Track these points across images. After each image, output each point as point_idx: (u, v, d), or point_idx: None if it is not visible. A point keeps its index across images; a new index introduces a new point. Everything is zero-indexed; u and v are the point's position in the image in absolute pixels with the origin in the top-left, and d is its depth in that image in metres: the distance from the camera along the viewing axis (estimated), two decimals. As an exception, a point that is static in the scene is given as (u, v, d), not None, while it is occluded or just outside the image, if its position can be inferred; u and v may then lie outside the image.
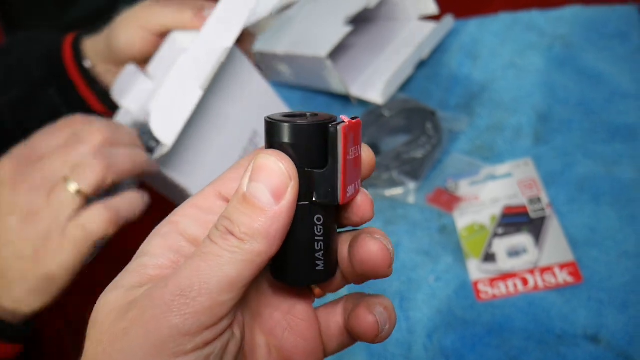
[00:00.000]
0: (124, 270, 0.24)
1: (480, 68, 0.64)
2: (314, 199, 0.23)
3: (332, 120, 0.23)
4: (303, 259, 0.24)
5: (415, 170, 0.57)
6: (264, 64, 0.74)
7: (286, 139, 0.23)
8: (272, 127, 0.23)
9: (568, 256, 0.47)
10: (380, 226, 0.56)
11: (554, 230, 0.49)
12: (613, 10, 0.62)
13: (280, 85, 0.77)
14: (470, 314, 0.47)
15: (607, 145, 0.53)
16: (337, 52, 0.68)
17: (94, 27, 0.60)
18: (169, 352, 0.21)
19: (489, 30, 0.67)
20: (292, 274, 0.25)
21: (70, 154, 0.42)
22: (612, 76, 0.57)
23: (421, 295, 0.49)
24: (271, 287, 0.27)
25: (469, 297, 0.48)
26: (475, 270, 0.49)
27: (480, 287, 0.48)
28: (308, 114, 0.24)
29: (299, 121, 0.23)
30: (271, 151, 0.23)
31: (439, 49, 0.68)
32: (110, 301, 0.23)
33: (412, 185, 0.56)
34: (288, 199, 0.22)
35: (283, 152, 0.23)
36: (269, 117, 0.23)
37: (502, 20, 0.68)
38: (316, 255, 0.24)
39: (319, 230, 0.24)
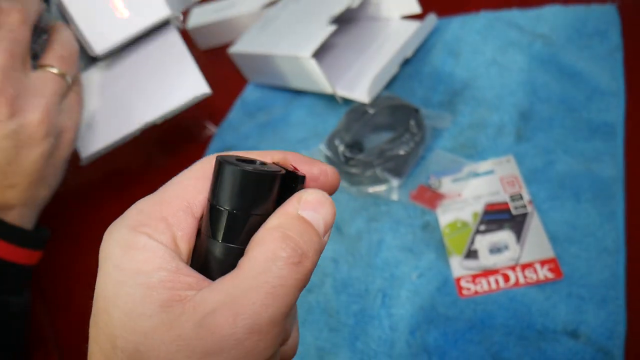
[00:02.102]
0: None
1: (463, 66, 0.65)
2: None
3: (286, 172, 0.25)
4: None
5: (398, 167, 0.57)
6: (246, 65, 0.74)
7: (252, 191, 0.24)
8: (242, 175, 0.23)
9: (548, 252, 0.48)
10: (363, 223, 0.56)
11: (535, 227, 0.50)
12: (592, 10, 0.63)
13: (264, 87, 0.76)
14: (452, 311, 0.47)
15: (587, 143, 0.53)
16: (321, 52, 0.68)
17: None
18: None
19: (471, 28, 0.68)
20: None
21: None
22: (592, 74, 0.58)
23: (404, 292, 0.49)
24: None
25: (451, 293, 0.48)
26: (458, 266, 0.50)
27: (463, 283, 0.48)
28: (257, 162, 0.25)
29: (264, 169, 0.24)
30: (322, 192, 0.25)
31: (422, 47, 0.69)
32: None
33: (395, 182, 0.56)
34: (328, 237, 0.25)
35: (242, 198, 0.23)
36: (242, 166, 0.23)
37: (484, 18, 0.68)
38: None
39: None
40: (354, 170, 0.57)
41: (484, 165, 0.56)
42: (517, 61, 0.62)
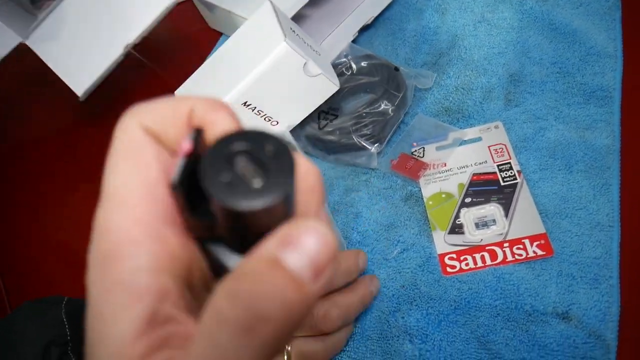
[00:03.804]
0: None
1: (450, 23, 0.60)
2: None
3: None
4: None
5: (377, 133, 0.52)
6: (219, 20, 0.67)
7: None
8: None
9: (538, 227, 0.45)
10: (341, 194, 0.51)
11: (524, 200, 0.46)
12: (589, -37, 0.58)
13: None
14: (435, 290, 0.44)
15: (581, 109, 0.50)
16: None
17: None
18: None
19: (458, -18, 0.62)
20: None
21: None
22: (587, 34, 0.54)
23: (385, 270, 0.46)
24: None
25: (435, 271, 0.45)
26: (442, 242, 0.46)
27: (447, 260, 0.45)
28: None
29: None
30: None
31: (406, 2, 0.63)
32: None
33: (374, 148, 0.52)
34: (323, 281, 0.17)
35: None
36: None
37: (472, -29, 0.63)
38: None
39: None
40: (329, 137, 0.53)
41: (470, 132, 0.52)
42: (508, 19, 0.58)
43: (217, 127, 0.20)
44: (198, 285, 0.20)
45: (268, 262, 0.16)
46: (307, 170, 0.20)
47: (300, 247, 0.16)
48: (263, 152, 0.17)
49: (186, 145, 0.18)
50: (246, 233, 0.18)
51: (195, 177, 0.18)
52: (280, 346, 0.16)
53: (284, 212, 0.18)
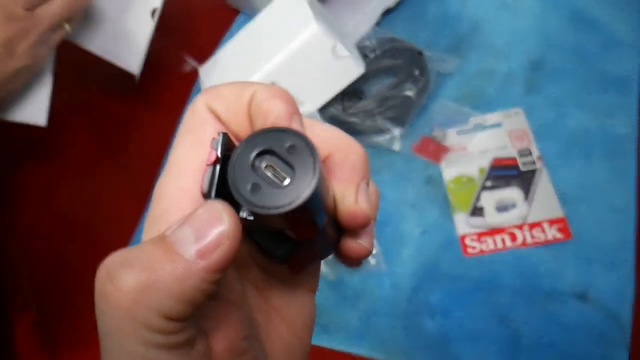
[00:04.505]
0: None
1: (471, 8, 0.60)
2: None
3: None
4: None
5: (400, 116, 0.54)
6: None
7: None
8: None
9: (557, 212, 0.46)
10: (363, 175, 0.53)
11: (543, 185, 0.48)
12: (611, -49, 0.59)
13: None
14: (457, 270, 0.46)
15: (600, 97, 0.51)
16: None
17: None
18: None
19: (480, -34, 0.63)
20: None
21: None
22: (608, 22, 0.55)
23: (406, 249, 0.48)
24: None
25: (456, 252, 0.47)
26: (463, 224, 0.48)
27: (467, 241, 0.47)
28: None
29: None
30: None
31: (427, -15, 0.64)
32: None
33: (397, 131, 0.53)
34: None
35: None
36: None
37: (494, -44, 0.63)
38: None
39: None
40: (353, 119, 0.54)
41: (491, 118, 0.53)
42: (529, 4, 0.58)
43: (270, 117, 0.20)
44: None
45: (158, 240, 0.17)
46: (347, 146, 0.21)
47: (186, 222, 0.17)
48: (284, 149, 0.18)
49: (212, 156, 0.19)
50: (283, 227, 0.18)
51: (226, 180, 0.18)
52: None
53: (314, 208, 0.18)
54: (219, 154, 0.19)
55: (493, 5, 0.60)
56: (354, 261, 0.22)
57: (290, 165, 0.17)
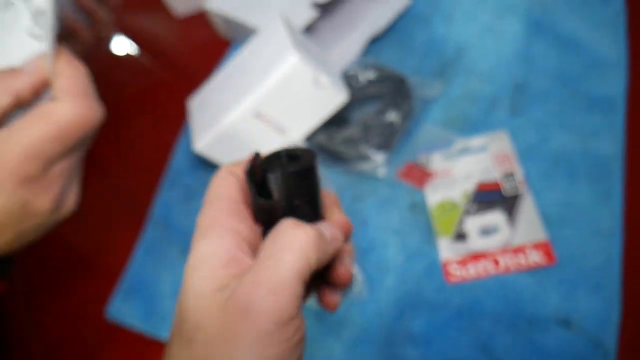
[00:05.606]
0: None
1: (456, 32, 0.61)
2: None
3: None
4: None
5: (385, 142, 0.54)
6: (232, 29, 0.69)
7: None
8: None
9: (541, 235, 0.46)
10: (348, 202, 0.53)
11: (527, 208, 0.47)
12: (595, -29, 0.59)
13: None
14: (439, 297, 0.45)
15: (585, 118, 0.50)
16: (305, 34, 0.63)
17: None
18: None
19: (465, -9, 0.63)
20: None
21: None
22: (591, 43, 0.54)
23: (390, 277, 0.47)
24: None
25: (438, 279, 0.46)
26: (446, 250, 0.47)
27: (450, 269, 0.46)
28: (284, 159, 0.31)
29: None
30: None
31: (413, 12, 0.64)
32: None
33: (381, 157, 0.53)
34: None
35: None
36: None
37: (479, -20, 0.64)
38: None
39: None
40: (337, 146, 0.54)
41: (476, 141, 0.53)
42: (513, 28, 0.58)
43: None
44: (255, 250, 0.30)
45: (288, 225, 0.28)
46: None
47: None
48: (295, 152, 0.31)
49: (250, 159, 0.29)
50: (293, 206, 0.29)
51: (258, 178, 0.29)
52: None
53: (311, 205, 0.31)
54: (254, 159, 0.29)
55: (478, 30, 0.60)
56: (342, 285, 0.32)
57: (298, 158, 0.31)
